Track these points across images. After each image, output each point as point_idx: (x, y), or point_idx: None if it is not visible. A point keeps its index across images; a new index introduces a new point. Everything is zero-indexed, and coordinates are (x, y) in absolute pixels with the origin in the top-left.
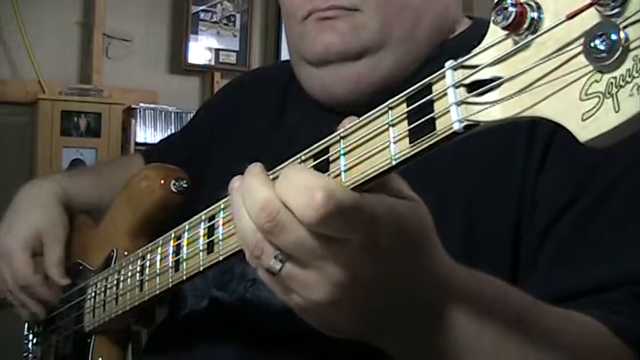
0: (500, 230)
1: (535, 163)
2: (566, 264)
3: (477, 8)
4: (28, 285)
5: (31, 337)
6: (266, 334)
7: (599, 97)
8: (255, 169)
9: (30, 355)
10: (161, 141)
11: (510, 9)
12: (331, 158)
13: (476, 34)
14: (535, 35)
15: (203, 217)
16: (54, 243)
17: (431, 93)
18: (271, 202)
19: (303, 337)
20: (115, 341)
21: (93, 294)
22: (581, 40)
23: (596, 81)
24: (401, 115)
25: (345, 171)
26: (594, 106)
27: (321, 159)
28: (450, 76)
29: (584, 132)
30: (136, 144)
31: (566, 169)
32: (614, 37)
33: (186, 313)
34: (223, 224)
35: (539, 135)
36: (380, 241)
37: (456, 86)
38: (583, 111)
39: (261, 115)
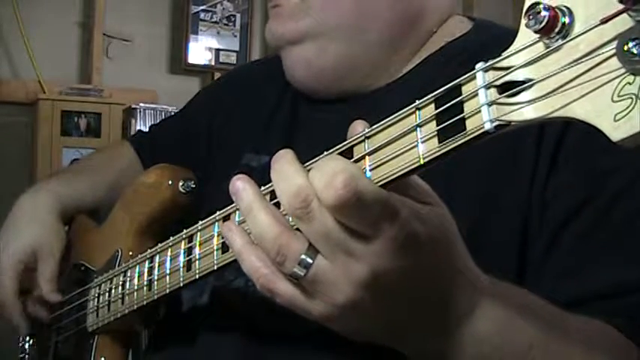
0: (506, 235)
1: (545, 165)
2: (578, 269)
3: (478, 8)
4: (5, 307)
5: (27, 337)
6: (269, 327)
7: (632, 98)
8: (288, 156)
9: (26, 357)
10: (153, 126)
11: (543, 13)
12: (356, 158)
13: (482, 38)
14: (567, 39)
15: (217, 218)
16: (48, 258)
17: (461, 94)
18: (306, 188)
19: (307, 331)
20: (118, 342)
21: (96, 294)
22: (614, 44)
23: (629, 83)
24: (429, 115)
25: (370, 170)
26: (627, 107)
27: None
28: (481, 77)
29: (617, 132)
30: None
31: (577, 172)
32: None
33: (186, 310)
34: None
35: (548, 138)
36: (404, 243)
37: (487, 87)
38: (616, 112)
39: (265, 108)
